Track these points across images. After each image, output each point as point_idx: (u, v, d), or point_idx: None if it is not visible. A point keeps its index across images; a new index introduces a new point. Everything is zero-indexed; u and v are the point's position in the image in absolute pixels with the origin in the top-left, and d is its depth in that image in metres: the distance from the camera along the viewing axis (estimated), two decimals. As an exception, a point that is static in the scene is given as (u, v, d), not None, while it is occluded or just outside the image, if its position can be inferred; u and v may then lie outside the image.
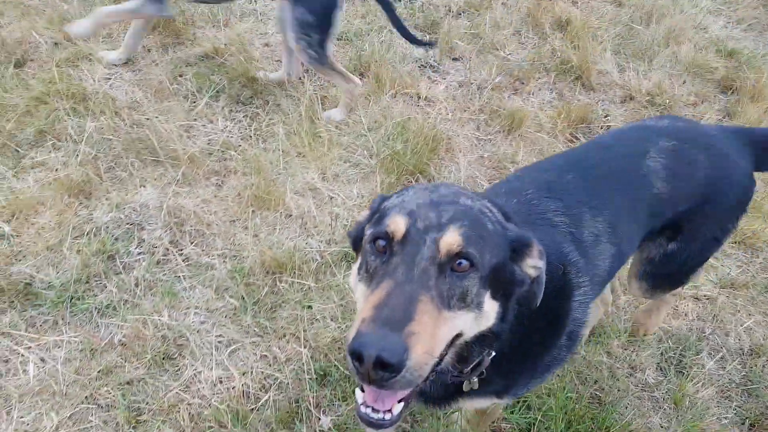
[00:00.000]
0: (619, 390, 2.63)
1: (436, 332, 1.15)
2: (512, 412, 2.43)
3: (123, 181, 3.25)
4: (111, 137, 3.41)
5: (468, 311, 1.24)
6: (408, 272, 1.17)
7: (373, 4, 4.20)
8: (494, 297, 1.30)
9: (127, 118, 3.55)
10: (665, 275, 2.20)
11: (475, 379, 1.52)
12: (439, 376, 1.45)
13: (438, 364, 1.26)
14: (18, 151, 3.29)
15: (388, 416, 1.19)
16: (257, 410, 2.43)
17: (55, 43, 3.96)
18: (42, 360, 2.53)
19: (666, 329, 2.90)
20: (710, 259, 2.39)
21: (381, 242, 1.28)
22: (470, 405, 1.86)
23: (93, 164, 3.27)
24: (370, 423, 1.22)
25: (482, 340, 1.39)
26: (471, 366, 1.47)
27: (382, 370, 1.06)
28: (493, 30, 4.62)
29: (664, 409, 2.61)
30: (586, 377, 2.65)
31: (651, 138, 1.97)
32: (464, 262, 1.21)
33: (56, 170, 3.23)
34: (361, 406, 1.23)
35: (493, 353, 1.48)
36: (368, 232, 1.38)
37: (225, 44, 4.10)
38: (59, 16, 4.07)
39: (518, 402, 2.48)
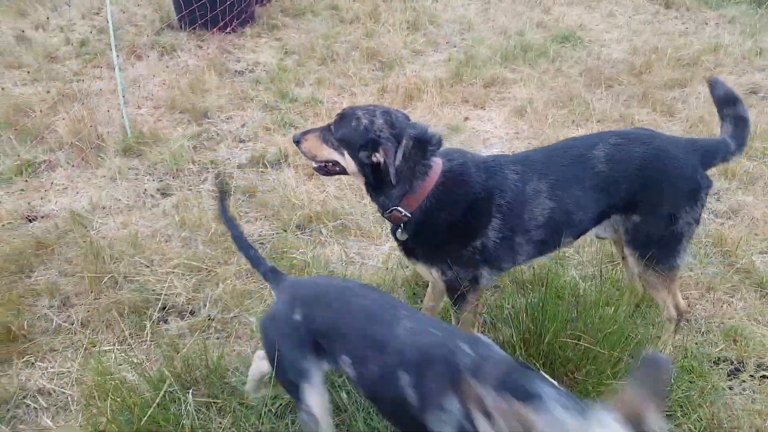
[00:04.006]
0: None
1: (316, 145, 2.53)
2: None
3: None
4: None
5: (333, 149, 2.48)
6: (322, 128, 2.54)
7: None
8: (348, 155, 2.44)
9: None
10: (644, 242, 2.63)
11: (400, 230, 2.50)
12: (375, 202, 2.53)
13: (325, 165, 2.57)
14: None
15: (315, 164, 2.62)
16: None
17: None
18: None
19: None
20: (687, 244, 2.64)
21: None
22: (420, 269, 2.66)
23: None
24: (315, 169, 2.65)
25: (371, 184, 2.46)
26: (386, 210, 2.47)
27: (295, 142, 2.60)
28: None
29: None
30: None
31: (605, 137, 2.61)
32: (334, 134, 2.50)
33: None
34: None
35: (404, 211, 2.42)
36: None
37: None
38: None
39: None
